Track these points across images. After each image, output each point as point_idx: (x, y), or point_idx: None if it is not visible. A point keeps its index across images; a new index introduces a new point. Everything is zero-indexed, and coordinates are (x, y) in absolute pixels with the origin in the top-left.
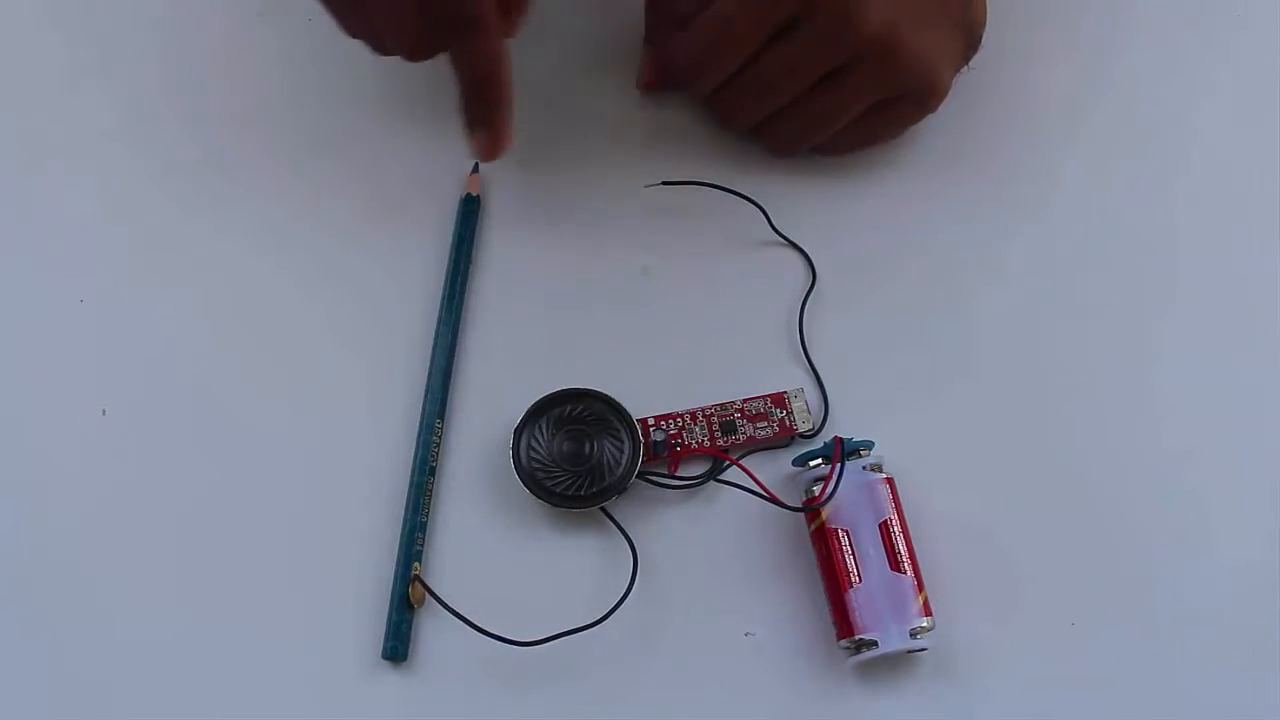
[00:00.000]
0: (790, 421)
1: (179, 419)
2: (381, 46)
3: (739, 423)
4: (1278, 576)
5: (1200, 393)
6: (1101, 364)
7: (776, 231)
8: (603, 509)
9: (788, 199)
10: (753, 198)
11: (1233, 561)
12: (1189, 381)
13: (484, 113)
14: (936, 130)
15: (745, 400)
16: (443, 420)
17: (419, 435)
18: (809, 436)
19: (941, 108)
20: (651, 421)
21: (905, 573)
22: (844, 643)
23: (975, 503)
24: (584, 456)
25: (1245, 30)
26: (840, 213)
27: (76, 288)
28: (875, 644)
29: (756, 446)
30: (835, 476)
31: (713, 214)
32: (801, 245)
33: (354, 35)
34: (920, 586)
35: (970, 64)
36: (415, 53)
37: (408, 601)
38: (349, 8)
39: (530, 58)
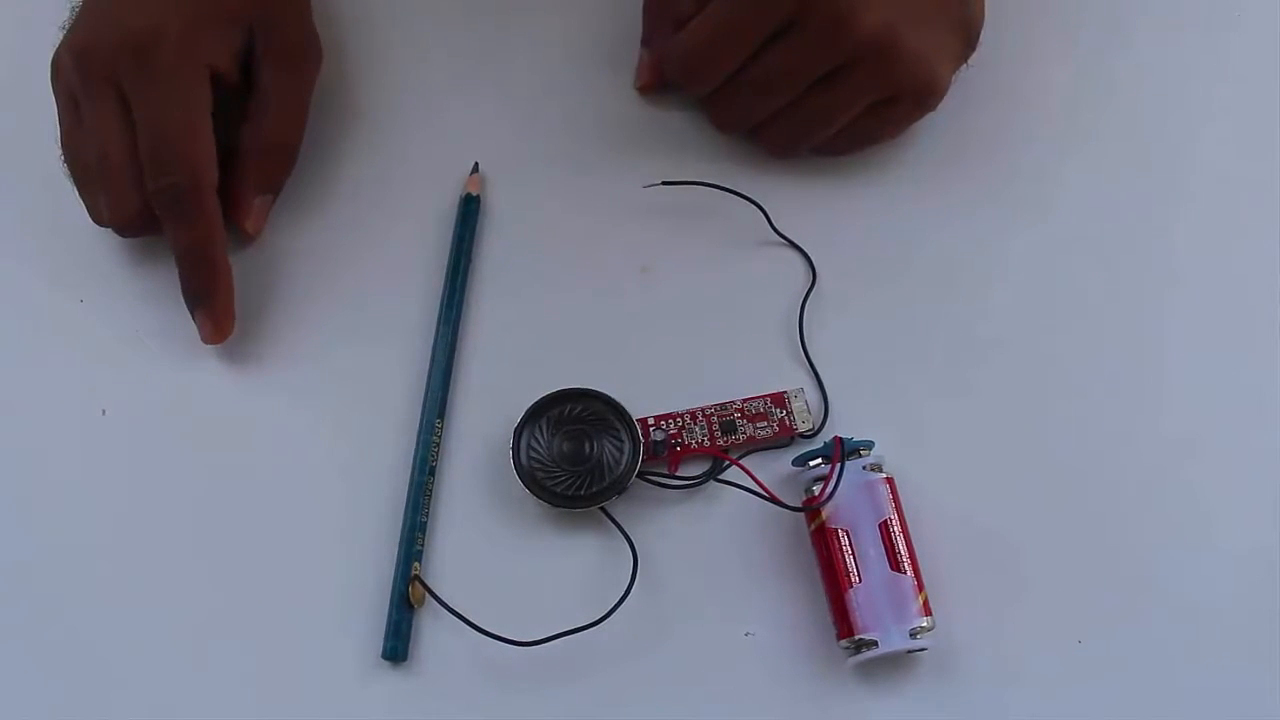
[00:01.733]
0: (790, 421)
1: (178, 418)
2: (98, 213)
3: (739, 422)
4: None
5: (1203, 391)
6: (1102, 363)
7: (776, 231)
8: (603, 509)
9: (788, 199)
10: (752, 198)
11: (1237, 559)
12: (1191, 380)
13: (199, 292)
14: (936, 130)
15: (745, 400)
16: (443, 420)
17: (419, 435)
18: (809, 436)
19: (941, 107)
20: (651, 421)
21: (905, 573)
22: (844, 643)
23: (975, 503)
24: (584, 456)
25: (1244, 29)
26: (840, 213)
27: (77, 288)
28: (875, 644)
29: (756, 446)
30: (835, 476)
31: (713, 214)
32: (801, 245)
33: (81, 193)
34: (920, 586)
35: (969, 63)
36: (126, 224)
37: (408, 601)
38: (78, 173)
39: (530, 58)
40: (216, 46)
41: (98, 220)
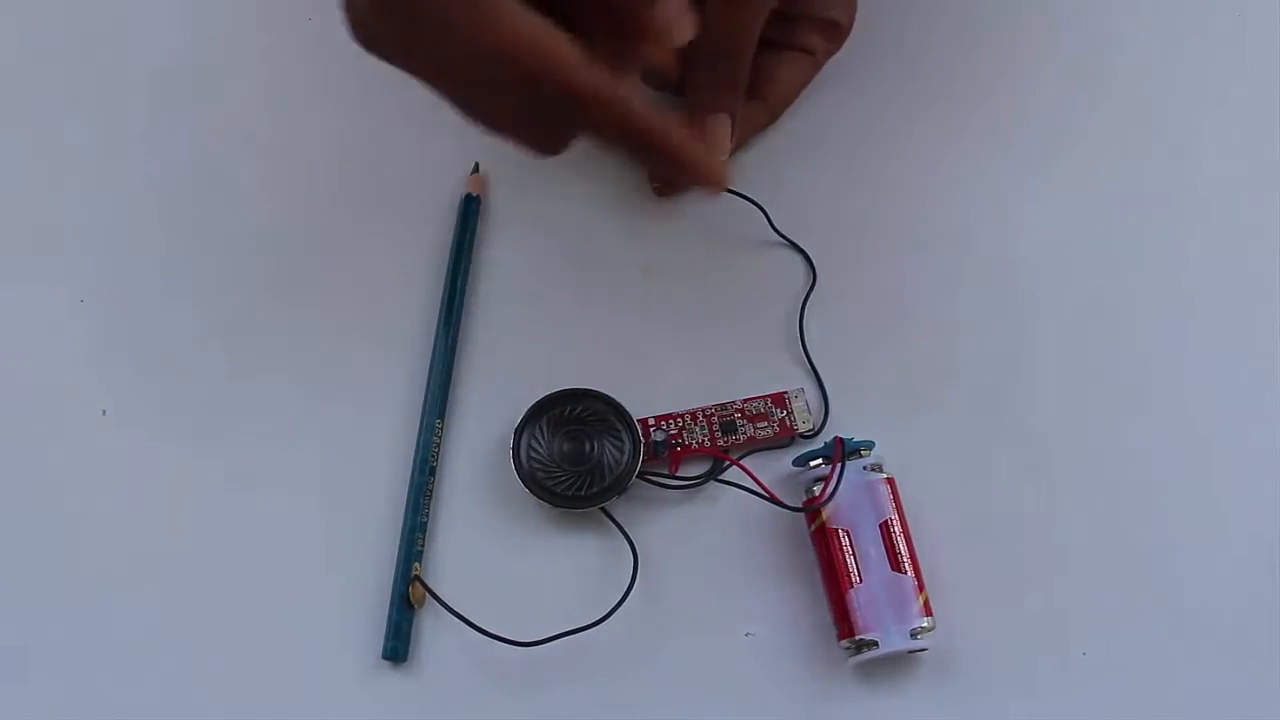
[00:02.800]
0: (790, 421)
1: (178, 418)
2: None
3: (739, 423)
4: None
5: (1212, 391)
6: (1106, 363)
7: (777, 231)
8: (603, 509)
9: (788, 199)
10: (752, 198)
11: (1245, 562)
12: (1199, 380)
13: (671, 160)
14: (937, 130)
15: (745, 400)
16: (443, 420)
17: (419, 435)
18: (809, 436)
19: (941, 107)
20: (652, 421)
21: (906, 573)
22: (844, 643)
23: (975, 503)
24: (584, 456)
25: (1245, 27)
26: (840, 213)
27: (77, 288)
28: (876, 644)
29: (757, 446)
30: (836, 476)
31: (713, 214)
32: (802, 245)
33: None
34: (921, 586)
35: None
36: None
37: (408, 601)
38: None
39: None
40: None
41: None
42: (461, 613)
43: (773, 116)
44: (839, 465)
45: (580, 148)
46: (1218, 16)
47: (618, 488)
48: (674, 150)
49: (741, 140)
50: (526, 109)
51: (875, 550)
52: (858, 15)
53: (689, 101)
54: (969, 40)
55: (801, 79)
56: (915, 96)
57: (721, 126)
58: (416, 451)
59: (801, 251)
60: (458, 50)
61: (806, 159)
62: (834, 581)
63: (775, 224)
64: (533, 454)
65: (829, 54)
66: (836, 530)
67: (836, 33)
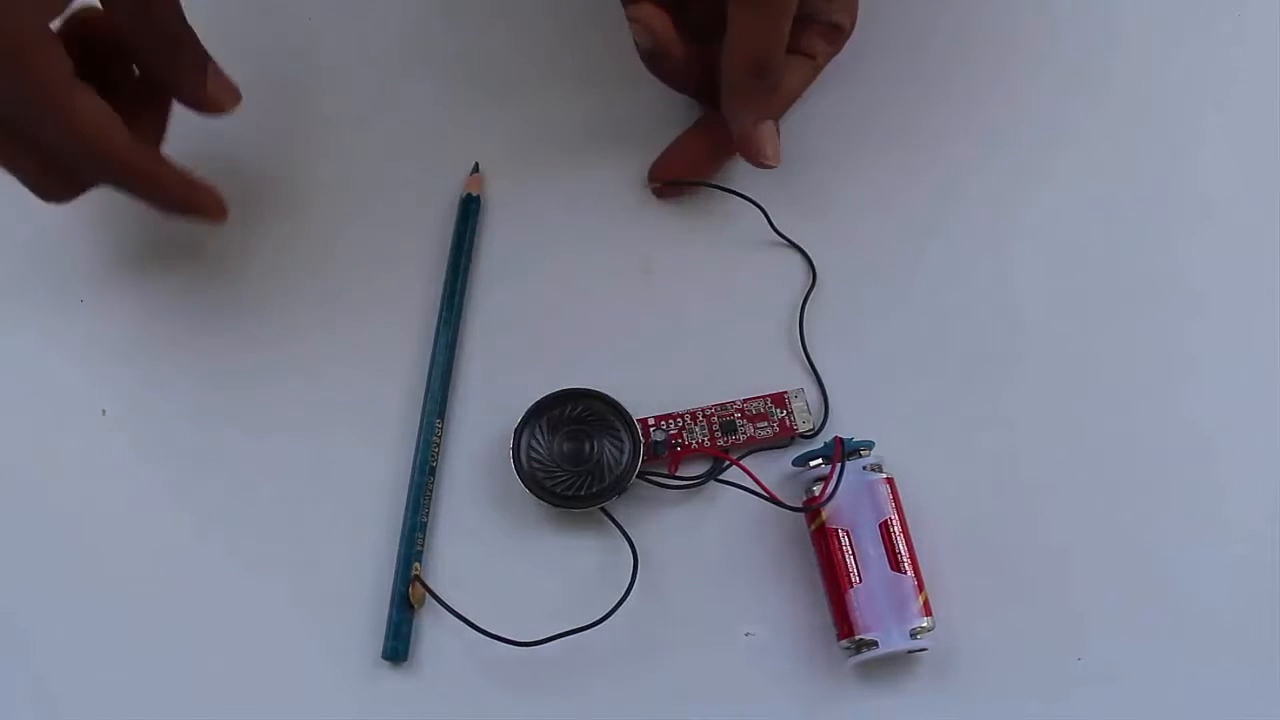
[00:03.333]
0: (790, 421)
1: (178, 419)
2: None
3: (739, 423)
4: None
5: (1214, 390)
6: (1107, 364)
7: (777, 232)
8: (603, 509)
9: (788, 199)
10: (753, 198)
11: (1247, 562)
12: (1200, 380)
13: (183, 210)
14: (938, 131)
15: (745, 400)
16: (443, 420)
17: (419, 435)
18: (809, 436)
19: (943, 108)
20: (651, 421)
21: (905, 573)
22: (844, 643)
23: (976, 503)
24: (584, 456)
25: (1244, 27)
26: (840, 213)
27: (77, 288)
28: (875, 644)
29: (757, 446)
30: (835, 476)
31: (713, 214)
32: (802, 245)
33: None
34: (920, 586)
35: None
36: (61, 194)
37: (408, 601)
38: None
39: (529, 59)
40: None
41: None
42: (461, 613)
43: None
44: (839, 465)
45: (580, 147)
46: (1218, 17)
47: (618, 488)
48: (179, 200)
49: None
50: (59, 168)
51: (875, 550)
52: (863, 21)
53: (733, 116)
54: (970, 40)
55: (803, 81)
56: (916, 97)
57: (770, 134)
58: (416, 451)
59: (801, 251)
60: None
61: (806, 159)
62: (834, 581)
63: (775, 224)
64: (533, 454)
65: (830, 56)
66: (836, 530)
67: (838, 35)
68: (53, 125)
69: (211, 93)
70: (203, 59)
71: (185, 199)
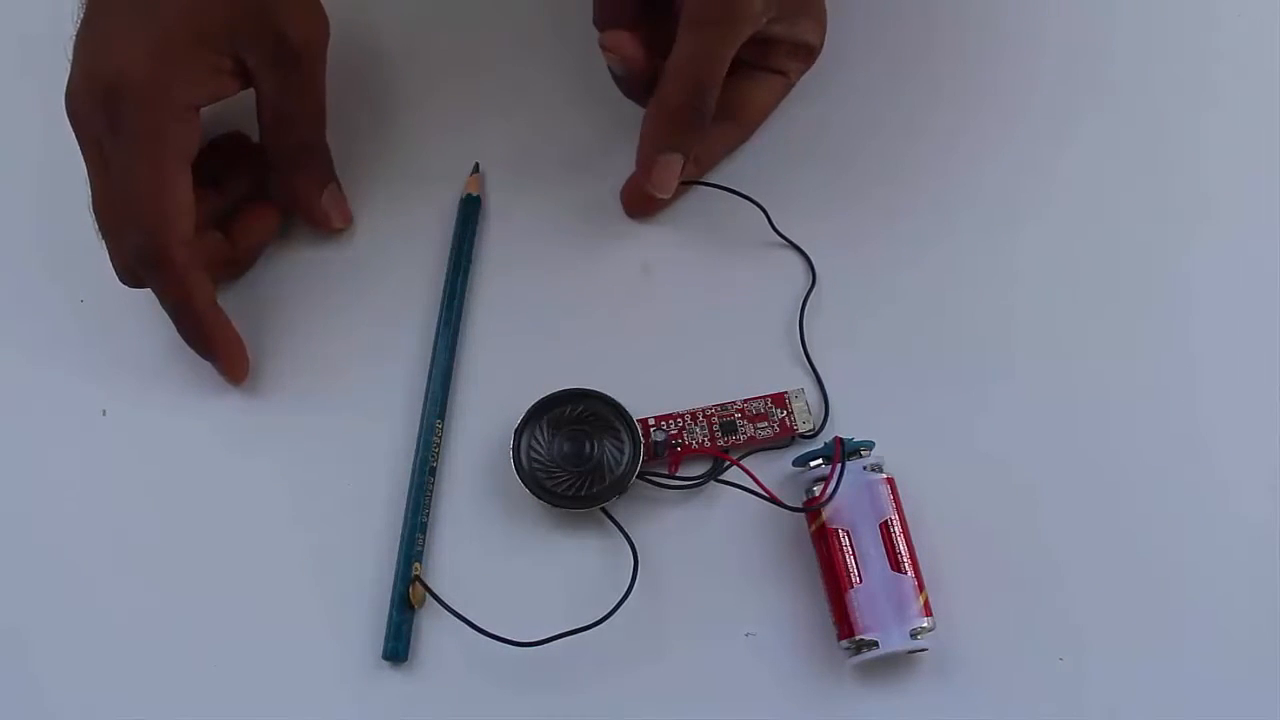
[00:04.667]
0: (790, 422)
1: (178, 418)
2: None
3: (739, 423)
4: None
5: (1214, 389)
6: (1107, 364)
7: (777, 232)
8: (603, 509)
9: (788, 199)
10: (753, 198)
11: (1245, 559)
12: (1200, 380)
13: (196, 344)
14: (940, 131)
15: (745, 400)
16: (443, 420)
17: (419, 436)
18: (809, 437)
19: (946, 109)
20: (652, 421)
21: (906, 573)
22: (844, 643)
23: (976, 503)
24: (584, 457)
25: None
26: (840, 213)
27: (77, 288)
28: (876, 644)
29: (757, 447)
30: (836, 477)
31: (713, 214)
32: (802, 246)
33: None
34: (921, 587)
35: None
36: (122, 276)
37: (408, 601)
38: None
39: (529, 58)
40: (194, 77)
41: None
42: (461, 613)
43: (745, 135)
44: (839, 465)
45: (580, 147)
46: (1218, 15)
47: (618, 488)
48: (206, 343)
49: (714, 161)
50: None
51: (875, 550)
52: (859, 20)
53: (646, 136)
54: (971, 40)
55: (774, 98)
56: (919, 97)
57: (669, 166)
58: (416, 452)
59: (801, 252)
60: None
61: (807, 160)
62: (834, 581)
63: (776, 224)
64: (533, 454)
65: (801, 72)
66: (836, 530)
67: (809, 54)
68: (159, 275)
69: (324, 207)
70: (327, 176)
71: (201, 337)
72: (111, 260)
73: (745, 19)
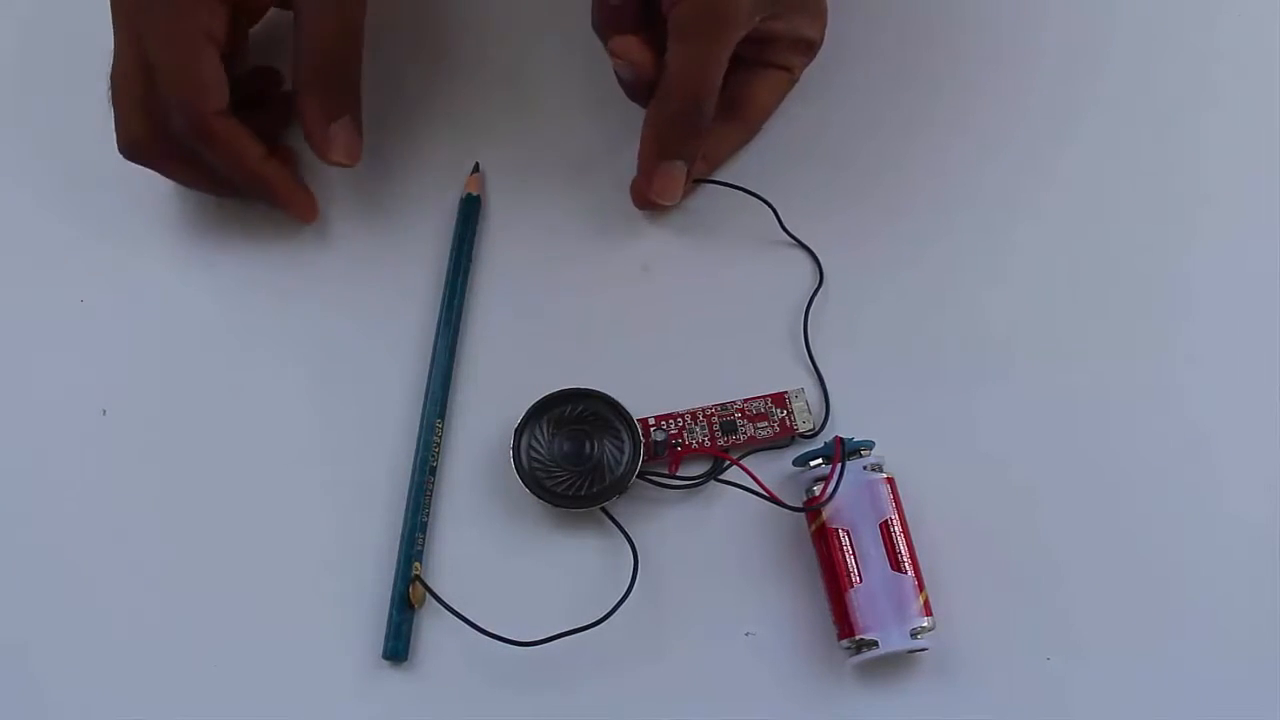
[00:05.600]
0: (790, 421)
1: (179, 419)
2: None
3: (739, 423)
4: None
5: (1215, 391)
6: (1106, 365)
7: (786, 231)
8: (603, 509)
9: (793, 198)
10: (764, 196)
11: (1245, 558)
12: (1201, 380)
13: (265, 199)
14: (944, 132)
15: (746, 400)
16: (443, 420)
17: (419, 435)
18: (810, 436)
19: (948, 110)
20: (652, 421)
21: (906, 573)
22: (844, 643)
23: (976, 503)
24: (584, 456)
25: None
26: (842, 212)
27: (77, 288)
28: (876, 644)
29: (757, 446)
30: (836, 476)
31: (714, 213)
32: (810, 245)
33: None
34: (921, 586)
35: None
36: (129, 146)
37: (408, 601)
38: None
39: (530, 57)
40: None
41: (118, 144)
42: (461, 613)
43: (751, 132)
44: (839, 465)
45: (580, 146)
46: (1217, 14)
47: (618, 488)
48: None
49: (722, 159)
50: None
51: (875, 550)
52: (865, 20)
53: (645, 145)
54: (974, 40)
55: (778, 94)
56: (921, 98)
57: (672, 174)
58: (416, 451)
59: (809, 251)
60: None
61: (812, 159)
62: (834, 581)
63: (784, 223)
64: (533, 454)
65: (803, 67)
66: (836, 530)
67: (809, 48)
68: (207, 145)
69: (328, 134)
70: (345, 108)
71: (264, 193)
72: (117, 131)
73: (733, 24)
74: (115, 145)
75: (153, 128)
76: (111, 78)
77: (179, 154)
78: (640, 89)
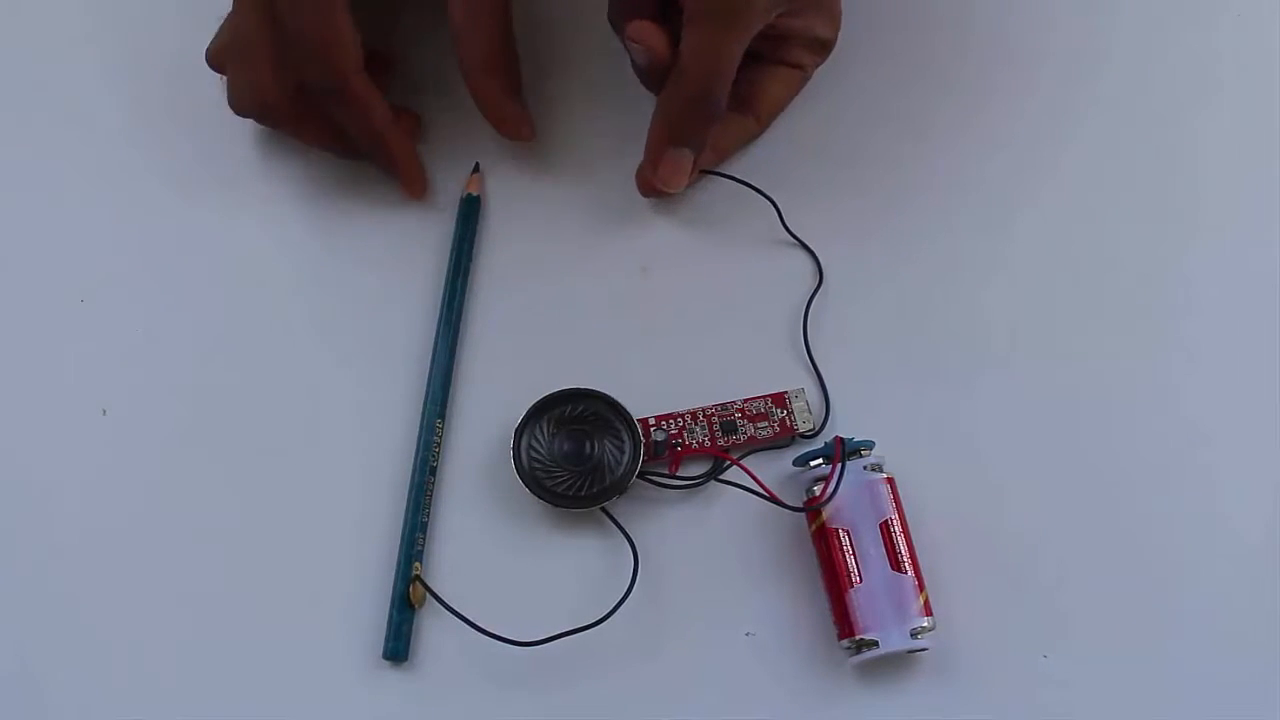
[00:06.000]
0: (791, 421)
1: (179, 419)
2: (240, 98)
3: (739, 423)
4: None
5: (1216, 390)
6: (1107, 365)
7: (788, 230)
8: (603, 509)
9: (795, 197)
10: (767, 194)
11: (1248, 562)
12: (1201, 380)
13: (380, 163)
14: (947, 134)
15: (746, 400)
16: (443, 420)
17: (419, 435)
18: (810, 436)
19: (950, 111)
20: (652, 421)
21: (906, 573)
22: (845, 643)
23: (976, 503)
24: (584, 456)
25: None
26: (844, 212)
27: (77, 288)
28: (876, 644)
29: (757, 446)
30: (836, 476)
31: (718, 209)
32: (810, 244)
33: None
34: (921, 586)
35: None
36: (264, 109)
37: (408, 601)
38: (225, 56)
39: (531, 56)
40: None
41: (239, 106)
42: (461, 613)
43: (760, 128)
44: (839, 465)
45: (580, 145)
46: (1216, 13)
47: (618, 488)
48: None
49: (730, 151)
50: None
51: (875, 550)
52: (870, 22)
53: (655, 130)
54: (975, 41)
55: (790, 92)
56: (923, 98)
57: (678, 161)
58: (416, 451)
59: (809, 250)
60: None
61: (814, 158)
62: (834, 581)
63: (786, 221)
64: (533, 454)
65: (817, 65)
66: (836, 530)
67: (822, 48)
68: (344, 104)
69: (518, 111)
70: (518, 84)
71: (384, 158)
72: (239, 94)
73: (749, 14)
74: (226, 107)
75: (285, 88)
76: (228, 44)
77: (309, 114)
78: (655, 76)
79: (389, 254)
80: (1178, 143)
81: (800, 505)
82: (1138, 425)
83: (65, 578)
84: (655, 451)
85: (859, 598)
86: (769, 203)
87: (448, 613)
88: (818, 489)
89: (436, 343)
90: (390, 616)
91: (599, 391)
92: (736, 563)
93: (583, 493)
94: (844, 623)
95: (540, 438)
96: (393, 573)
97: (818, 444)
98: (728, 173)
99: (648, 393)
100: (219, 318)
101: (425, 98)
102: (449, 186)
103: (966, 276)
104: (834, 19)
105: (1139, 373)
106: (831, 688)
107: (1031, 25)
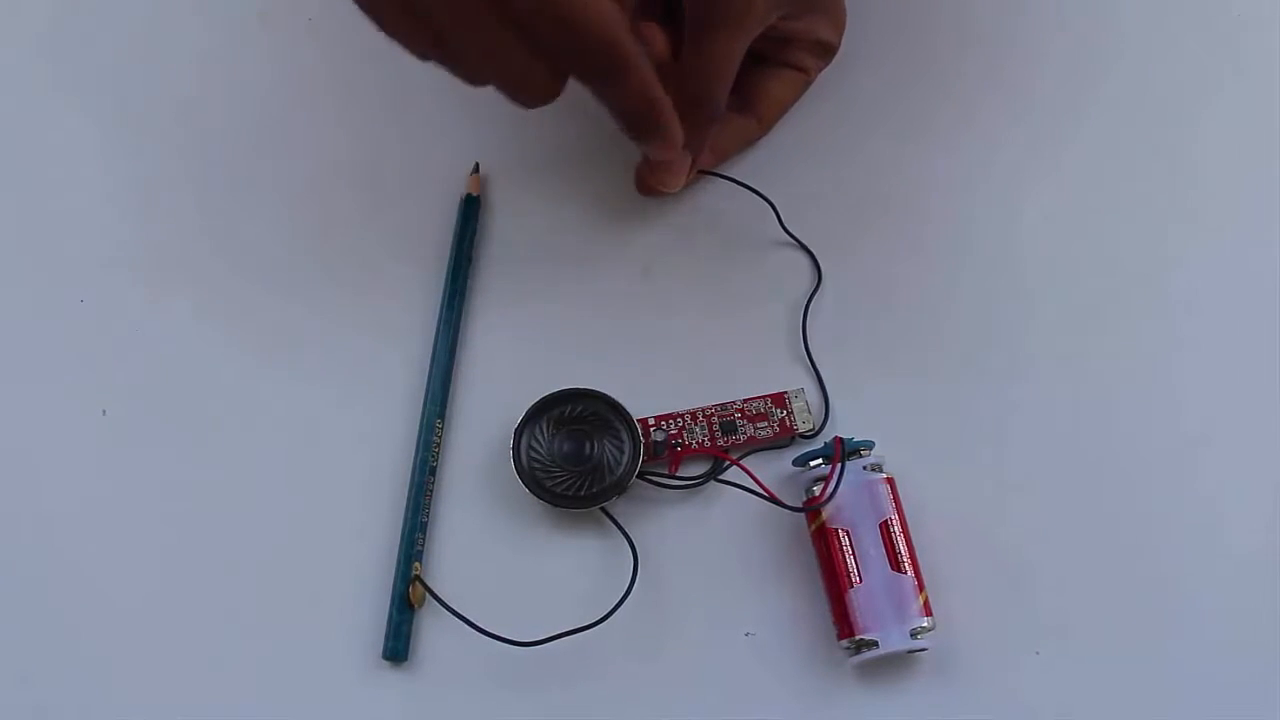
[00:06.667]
0: (790, 421)
1: (179, 418)
2: (517, 98)
3: (739, 423)
4: None
5: (1215, 391)
6: (1107, 365)
7: (786, 230)
8: (603, 509)
9: (796, 198)
10: (764, 194)
11: (1246, 563)
12: (1201, 381)
13: (648, 129)
14: (948, 135)
15: (745, 400)
16: (443, 420)
17: (419, 435)
18: (809, 436)
19: (950, 112)
20: (652, 421)
21: (906, 573)
22: (844, 643)
23: (976, 503)
24: (584, 456)
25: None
26: (843, 213)
27: (77, 288)
28: (876, 644)
29: (757, 446)
30: (836, 476)
31: (714, 213)
32: (808, 245)
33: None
34: (921, 586)
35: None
36: (548, 98)
37: (408, 601)
38: (472, 69)
39: None
40: None
41: (523, 100)
42: (461, 613)
43: (763, 130)
44: (839, 465)
45: (580, 145)
46: (1215, 13)
47: (618, 488)
48: (660, 129)
49: (730, 153)
50: (535, 55)
51: (875, 550)
52: (872, 24)
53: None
54: (977, 41)
55: (793, 94)
56: (927, 97)
57: (675, 163)
58: (416, 451)
59: (808, 251)
60: None
61: (816, 159)
62: (834, 581)
63: (784, 222)
64: (533, 454)
65: (820, 69)
66: (836, 530)
67: (826, 51)
68: (611, 76)
69: (670, 162)
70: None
71: (655, 116)
72: (530, 90)
73: (750, 16)
74: None
75: (548, 76)
76: (477, 64)
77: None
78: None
79: (389, 254)
80: (1178, 143)
81: (800, 505)
82: (1138, 425)
83: (65, 578)
84: (655, 451)
85: (859, 598)
86: (767, 204)
87: (447, 613)
88: (817, 489)
89: (436, 343)
90: (390, 616)
91: (599, 391)
92: (736, 563)
93: (582, 493)
94: (844, 623)
95: (540, 438)
96: (392, 573)
97: (817, 444)
98: (726, 174)
99: (647, 393)
100: (218, 317)
101: (424, 97)
102: (449, 186)
103: (966, 276)
104: (837, 23)
105: (1139, 373)
106: (831, 688)
107: (1031, 26)
